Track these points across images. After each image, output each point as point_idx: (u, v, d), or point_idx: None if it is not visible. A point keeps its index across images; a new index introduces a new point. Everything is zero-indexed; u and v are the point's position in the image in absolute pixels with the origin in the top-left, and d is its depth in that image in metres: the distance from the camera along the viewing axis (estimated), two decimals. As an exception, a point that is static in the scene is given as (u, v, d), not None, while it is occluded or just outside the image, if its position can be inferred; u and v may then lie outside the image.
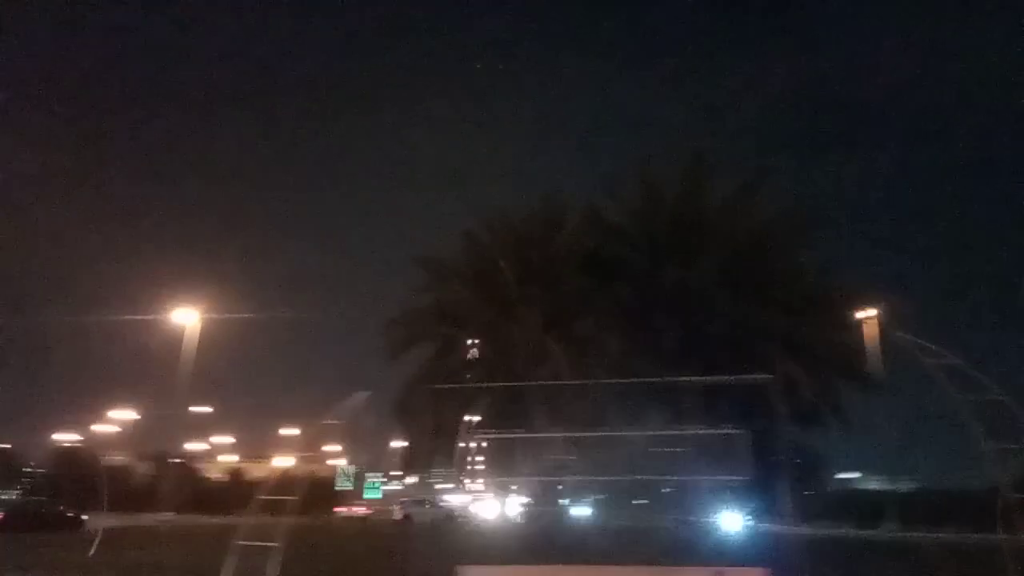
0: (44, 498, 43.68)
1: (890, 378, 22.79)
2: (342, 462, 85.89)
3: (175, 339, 49.55)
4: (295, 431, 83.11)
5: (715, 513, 26.73)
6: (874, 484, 53.52)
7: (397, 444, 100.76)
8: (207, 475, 65.17)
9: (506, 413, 20.46)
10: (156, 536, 32.00)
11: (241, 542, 15.90)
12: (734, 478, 13.56)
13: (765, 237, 24.08)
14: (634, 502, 49.79)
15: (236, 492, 61.02)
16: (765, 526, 25.14)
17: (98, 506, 37.64)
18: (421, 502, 70.67)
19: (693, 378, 17.62)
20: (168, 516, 48.61)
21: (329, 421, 16.26)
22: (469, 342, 31.23)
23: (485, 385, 20.75)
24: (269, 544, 15.53)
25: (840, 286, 24.06)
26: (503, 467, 15.84)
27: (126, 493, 53.65)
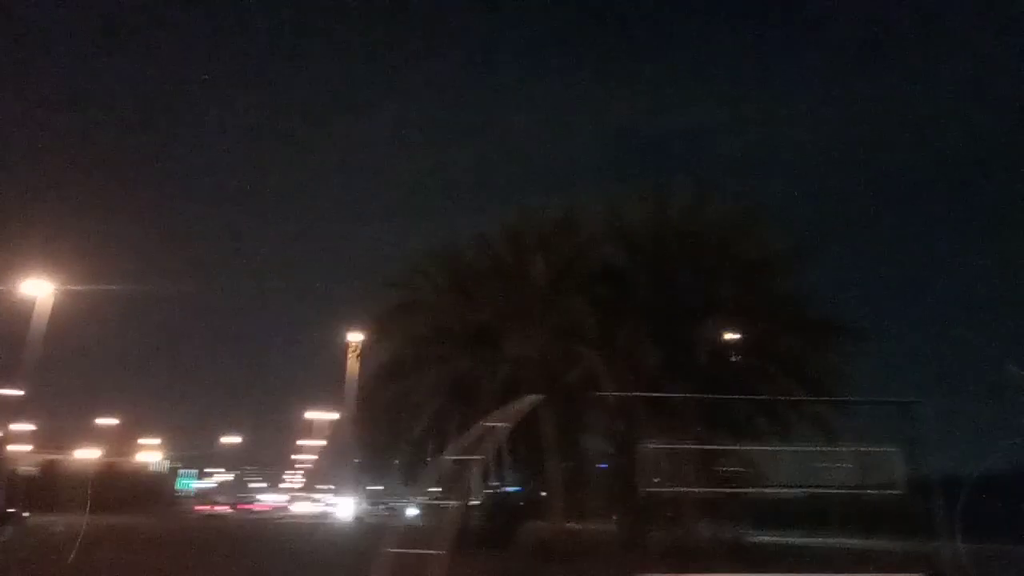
0: None
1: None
2: (156, 456, 78.77)
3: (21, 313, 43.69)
4: (112, 421, 75.17)
5: None
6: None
7: (227, 440, 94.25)
8: (14, 467, 57.05)
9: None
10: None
11: (395, 549, 14.85)
12: (887, 492, 14.91)
13: (769, 262, 25.71)
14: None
15: (55, 487, 54.12)
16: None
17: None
18: (377, 504, 67.57)
19: (843, 399, 18.93)
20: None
21: (496, 423, 15.57)
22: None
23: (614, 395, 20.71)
24: (434, 552, 14.65)
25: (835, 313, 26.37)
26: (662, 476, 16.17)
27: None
